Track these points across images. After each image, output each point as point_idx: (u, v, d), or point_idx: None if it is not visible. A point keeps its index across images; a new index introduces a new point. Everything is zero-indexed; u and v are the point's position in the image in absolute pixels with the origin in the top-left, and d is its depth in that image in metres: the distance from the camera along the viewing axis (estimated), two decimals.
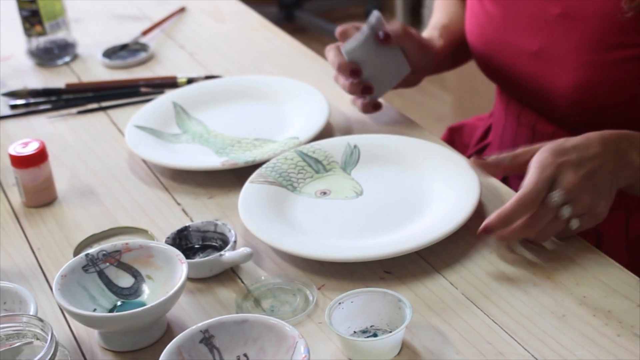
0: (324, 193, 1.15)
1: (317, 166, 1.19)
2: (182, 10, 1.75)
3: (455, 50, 1.38)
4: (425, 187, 1.13)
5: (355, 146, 1.21)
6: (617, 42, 1.12)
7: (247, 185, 1.15)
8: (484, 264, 1.02)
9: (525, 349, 0.90)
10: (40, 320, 0.83)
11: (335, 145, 1.22)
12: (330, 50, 1.27)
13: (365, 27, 1.24)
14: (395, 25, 1.26)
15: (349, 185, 1.16)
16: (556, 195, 1.00)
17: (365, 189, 1.15)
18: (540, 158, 1.02)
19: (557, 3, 1.16)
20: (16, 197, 1.21)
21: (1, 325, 0.84)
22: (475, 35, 1.30)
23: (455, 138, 1.50)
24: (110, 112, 1.42)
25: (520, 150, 1.07)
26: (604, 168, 1.03)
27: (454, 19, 1.40)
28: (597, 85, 1.14)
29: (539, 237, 1.02)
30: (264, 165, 1.19)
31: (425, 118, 2.98)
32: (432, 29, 1.38)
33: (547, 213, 1.00)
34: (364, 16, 3.83)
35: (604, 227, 1.19)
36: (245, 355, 0.88)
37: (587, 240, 1.05)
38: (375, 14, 1.23)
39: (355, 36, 1.24)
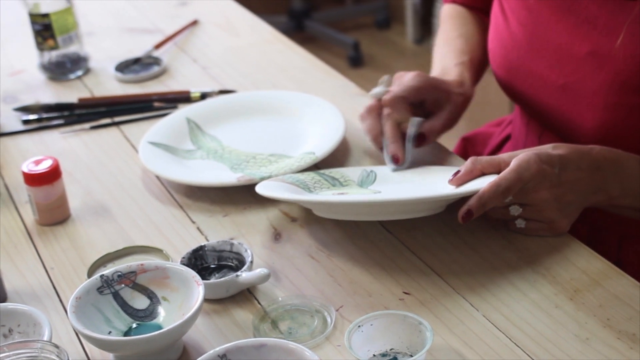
0: (341, 194, 1.14)
1: (334, 181, 1.18)
2: (194, 23, 1.74)
3: (480, 75, 1.36)
4: (446, 188, 1.11)
5: (372, 171, 1.20)
6: None
7: (264, 182, 1.15)
8: (505, 285, 1.00)
9: None
10: (56, 346, 0.82)
11: (351, 170, 1.21)
12: (369, 119, 1.21)
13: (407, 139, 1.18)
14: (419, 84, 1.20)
15: (366, 191, 1.15)
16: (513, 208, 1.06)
17: (382, 191, 1.15)
18: (525, 157, 1.03)
19: (586, 41, 1.13)
20: (29, 215, 1.20)
21: (16, 352, 0.82)
22: (499, 58, 1.27)
23: (468, 148, 1.49)
24: (123, 127, 1.41)
25: (499, 155, 1.08)
26: (577, 187, 1.05)
27: (472, 42, 1.36)
28: (622, 128, 1.12)
29: (488, 214, 1.08)
30: (281, 175, 1.18)
31: None
32: (460, 66, 1.30)
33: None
34: (373, 26, 3.82)
35: (624, 255, 1.18)
36: None
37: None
38: (415, 122, 1.18)
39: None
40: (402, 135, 1.19)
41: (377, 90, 1.21)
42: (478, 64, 1.35)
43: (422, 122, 1.19)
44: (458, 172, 1.08)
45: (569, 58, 1.15)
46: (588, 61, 1.13)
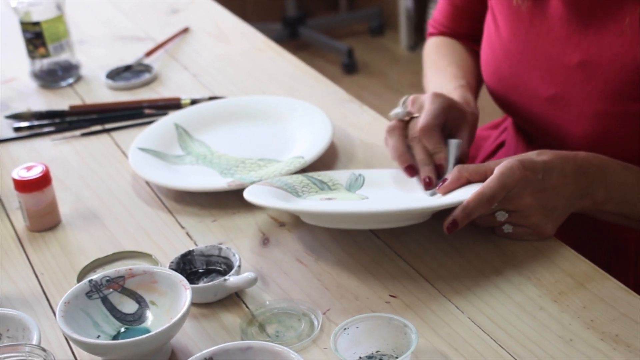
0: (329, 199, 1.15)
1: (322, 185, 1.19)
2: (185, 30, 1.75)
3: (476, 99, 1.34)
4: (431, 199, 1.12)
5: (360, 174, 1.20)
6: (636, 94, 1.10)
7: (252, 186, 1.15)
8: (491, 288, 1.01)
9: None
10: (43, 349, 0.83)
11: (340, 174, 1.21)
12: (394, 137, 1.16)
13: (451, 158, 1.14)
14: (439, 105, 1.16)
15: (354, 196, 1.16)
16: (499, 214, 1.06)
17: (370, 197, 1.15)
18: (508, 165, 1.04)
19: (577, 51, 1.13)
20: (20, 222, 1.21)
21: (4, 355, 0.83)
22: (490, 67, 1.26)
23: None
24: (114, 134, 1.42)
25: (486, 163, 1.09)
26: (562, 193, 1.05)
27: (465, 68, 1.35)
28: (612, 136, 1.13)
29: (476, 221, 1.07)
30: (269, 178, 1.19)
31: None
32: (460, 89, 1.27)
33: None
34: (367, 32, 3.83)
35: (613, 259, 1.18)
36: None
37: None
38: (455, 144, 1.14)
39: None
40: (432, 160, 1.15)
41: (398, 111, 1.17)
42: (474, 88, 1.34)
43: (462, 144, 1.16)
44: (445, 180, 1.09)
45: (559, 67, 1.16)
46: (578, 71, 1.14)
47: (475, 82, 1.36)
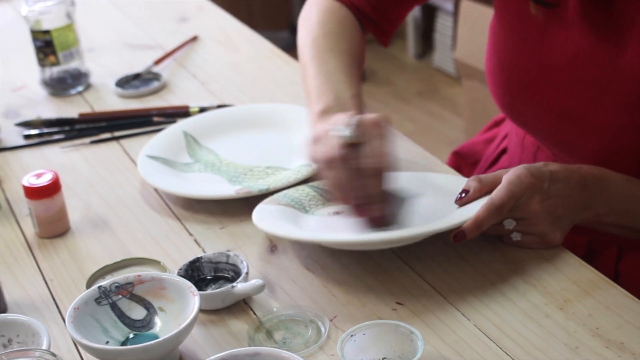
0: (338, 213, 1.16)
1: (329, 195, 1.19)
2: (194, 39, 1.76)
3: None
4: (443, 209, 1.13)
5: None
6: None
7: (260, 206, 1.16)
8: (496, 295, 1.02)
9: None
10: (53, 354, 0.84)
11: None
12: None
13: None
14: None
15: None
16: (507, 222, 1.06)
17: None
18: (516, 173, 1.05)
19: (590, 65, 1.12)
20: (29, 228, 1.22)
21: None
22: (497, 77, 1.24)
23: (460, 162, 1.49)
24: (123, 141, 1.43)
25: (500, 173, 1.09)
26: (567, 202, 1.06)
27: (358, 60, 1.27)
28: (623, 148, 1.12)
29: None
30: (276, 194, 1.19)
31: (437, 143, 2.99)
32: (356, 99, 1.18)
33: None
34: (374, 41, 3.83)
35: (622, 266, 1.19)
36: None
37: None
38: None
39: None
40: None
41: (351, 134, 1.05)
42: (361, 84, 1.25)
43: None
44: (463, 192, 1.09)
45: (571, 81, 1.15)
46: (592, 85, 1.13)
47: (361, 74, 1.28)
